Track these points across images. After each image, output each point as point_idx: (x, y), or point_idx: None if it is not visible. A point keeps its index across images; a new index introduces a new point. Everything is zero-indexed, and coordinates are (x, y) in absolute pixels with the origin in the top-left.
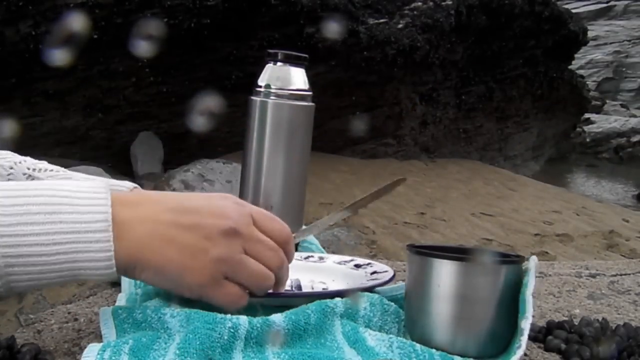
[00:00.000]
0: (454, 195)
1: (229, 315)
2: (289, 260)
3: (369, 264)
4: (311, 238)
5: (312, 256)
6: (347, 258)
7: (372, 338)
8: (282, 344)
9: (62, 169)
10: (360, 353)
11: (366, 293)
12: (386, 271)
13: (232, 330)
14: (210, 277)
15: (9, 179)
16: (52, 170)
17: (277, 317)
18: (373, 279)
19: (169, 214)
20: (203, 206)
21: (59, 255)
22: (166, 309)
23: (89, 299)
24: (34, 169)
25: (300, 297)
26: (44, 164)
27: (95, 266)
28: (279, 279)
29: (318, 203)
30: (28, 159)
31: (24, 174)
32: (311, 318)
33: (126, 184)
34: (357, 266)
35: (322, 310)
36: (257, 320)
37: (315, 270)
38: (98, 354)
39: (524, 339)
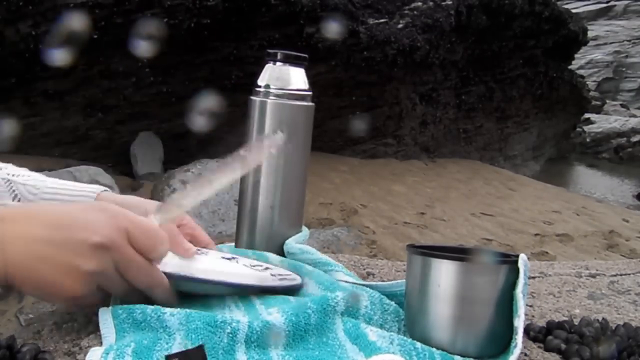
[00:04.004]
0: (454, 195)
1: (228, 319)
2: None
3: (283, 274)
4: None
5: (229, 257)
6: (264, 264)
7: (373, 333)
8: (284, 346)
9: (40, 175)
10: (362, 349)
11: (367, 291)
12: (294, 279)
13: (230, 335)
14: (82, 290)
15: None
16: (29, 176)
17: (277, 319)
18: (279, 281)
19: (42, 230)
20: (76, 220)
21: None
22: (166, 308)
23: None
24: (13, 174)
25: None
26: (23, 170)
27: None
28: (154, 297)
29: (318, 203)
30: (10, 165)
31: (3, 179)
32: (311, 318)
33: (94, 188)
34: (272, 274)
35: (323, 309)
36: (257, 324)
37: (222, 266)
38: (102, 357)
39: (519, 338)
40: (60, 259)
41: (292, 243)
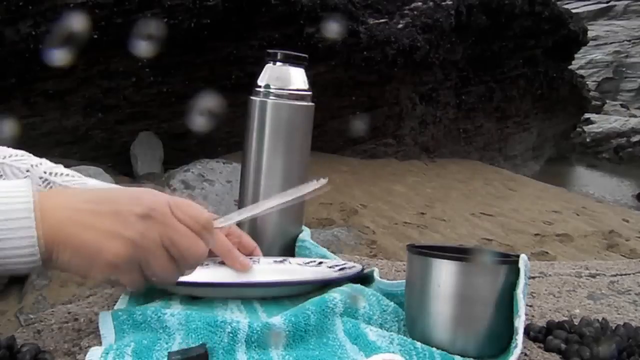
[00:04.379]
0: (454, 195)
1: (228, 319)
2: (208, 246)
3: (340, 264)
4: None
5: (281, 260)
6: (316, 260)
7: (373, 333)
8: (284, 346)
9: (78, 173)
10: (362, 349)
11: (365, 291)
12: (354, 266)
13: (231, 335)
14: (124, 259)
15: None
16: (67, 175)
17: (277, 320)
18: (340, 274)
19: (87, 203)
20: (119, 195)
21: None
22: (166, 309)
23: (89, 299)
24: (50, 173)
25: (260, 287)
26: (60, 168)
27: (19, 253)
28: (188, 271)
29: (318, 203)
30: (45, 161)
31: (40, 177)
32: (311, 319)
33: None
34: (329, 267)
35: (322, 310)
36: (257, 324)
37: (281, 271)
38: (101, 356)
39: (519, 338)
40: (105, 225)
41: (307, 238)
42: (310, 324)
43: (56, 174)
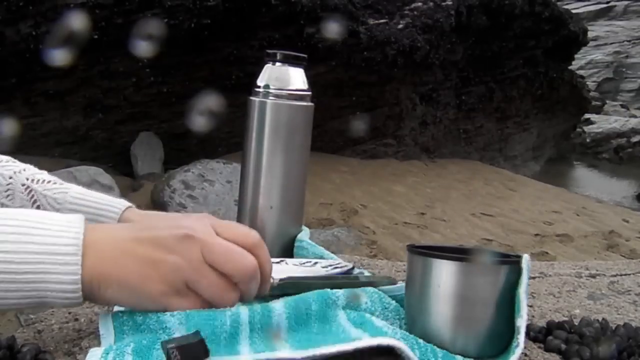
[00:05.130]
0: (454, 195)
1: (228, 311)
2: (264, 266)
3: (334, 264)
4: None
5: (279, 261)
6: (312, 260)
7: (378, 321)
8: (287, 330)
9: (60, 180)
10: (367, 330)
11: (366, 290)
12: (346, 265)
13: (233, 324)
14: (171, 284)
15: (7, 189)
16: (49, 182)
17: (278, 305)
18: (333, 270)
19: (127, 231)
20: (160, 222)
21: (28, 275)
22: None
23: None
24: (32, 180)
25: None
26: (43, 175)
27: (61, 288)
28: (245, 289)
29: (318, 203)
30: (29, 167)
31: (23, 185)
32: (312, 306)
33: (121, 203)
34: (323, 267)
35: (324, 300)
36: (259, 312)
37: (277, 271)
38: (102, 357)
39: (521, 338)
40: (147, 253)
41: (306, 238)
42: (312, 310)
43: (38, 181)
